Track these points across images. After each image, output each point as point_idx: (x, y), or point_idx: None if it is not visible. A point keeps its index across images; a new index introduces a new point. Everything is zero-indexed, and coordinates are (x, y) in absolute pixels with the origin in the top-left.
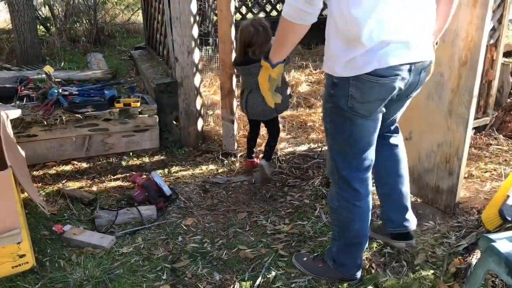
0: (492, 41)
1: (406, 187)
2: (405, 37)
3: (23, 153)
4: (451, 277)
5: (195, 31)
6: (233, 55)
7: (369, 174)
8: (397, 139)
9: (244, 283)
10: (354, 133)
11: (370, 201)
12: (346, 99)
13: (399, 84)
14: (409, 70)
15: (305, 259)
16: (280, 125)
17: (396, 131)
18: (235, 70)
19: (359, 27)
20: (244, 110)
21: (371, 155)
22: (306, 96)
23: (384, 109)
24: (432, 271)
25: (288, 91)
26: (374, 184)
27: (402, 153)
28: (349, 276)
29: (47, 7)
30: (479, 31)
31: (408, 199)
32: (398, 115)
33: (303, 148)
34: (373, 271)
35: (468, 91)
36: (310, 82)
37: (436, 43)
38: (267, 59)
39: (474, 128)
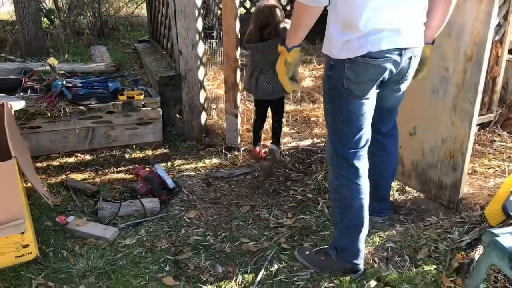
0: (497, 38)
1: (389, 180)
2: (396, 25)
3: (26, 144)
4: (453, 272)
5: (200, 24)
6: (238, 49)
7: (366, 152)
8: (392, 142)
9: (246, 275)
10: (351, 113)
11: (367, 182)
12: (342, 80)
13: (390, 66)
14: (400, 55)
15: (307, 252)
16: (284, 120)
17: (393, 130)
18: (245, 50)
19: (358, 14)
20: (252, 91)
21: (367, 133)
22: (310, 91)
23: (377, 90)
24: (434, 266)
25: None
26: None
27: (392, 159)
28: (351, 266)
29: None
30: (485, 26)
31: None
32: (396, 108)
33: (306, 143)
34: (375, 265)
35: (473, 87)
36: (314, 77)
37: (433, 42)
38: (283, 44)
39: (478, 124)
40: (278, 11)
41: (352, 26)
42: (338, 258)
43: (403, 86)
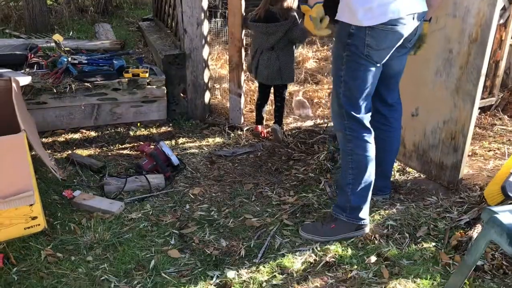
0: (502, 21)
1: (393, 158)
2: None
3: (33, 119)
4: (452, 250)
5: (205, 3)
6: (243, 29)
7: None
8: (397, 117)
9: (250, 249)
10: (366, 79)
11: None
12: (363, 47)
13: (407, 30)
14: (413, 18)
15: (313, 227)
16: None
17: (398, 104)
18: (249, 29)
19: None
20: (252, 72)
21: (371, 97)
22: (313, 72)
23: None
24: (433, 244)
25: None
26: None
27: (397, 135)
28: (362, 223)
29: None
30: (491, 8)
31: (392, 167)
32: (400, 75)
33: (309, 123)
34: (376, 241)
35: (476, 69)
36: (317, 59)
37: (430, 20)
38: (305, 3)
39: (480, 108)
40: None
41: None
42: (350, 218)
43: (407, 51)
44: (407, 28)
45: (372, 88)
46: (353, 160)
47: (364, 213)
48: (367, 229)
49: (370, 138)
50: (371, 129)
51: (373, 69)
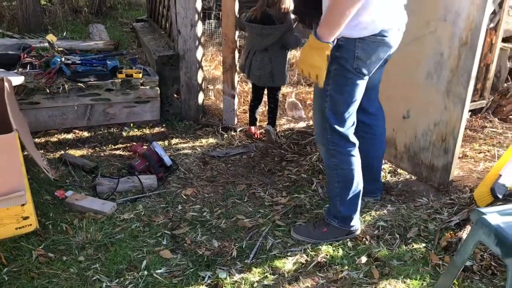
0: (492, 25)
1: (381, 162)
2: (398, 5)
3: (25, 120)
4: (442, 250)
5: (199, 4)
6: (236, 30)
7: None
8: (380, 125)
9: (241, 250)
10: (354, 93)
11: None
12: (352, 60)
13: (395, 42)
14: (398, 29)
15: (306, 229)
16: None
17: (379, 111)
18: (243, 29)
19: None
20: (245, 73)
21: (356, 110)
22: None
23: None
24: (424, 244)
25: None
26: None
27: (382, 141)
28: (353, 229)
29: None
30: (480, 12)
31: (381, 170)
32: (378, 85)
33: (302, 125)
34: (367, 242)
35: (466, 72)
36: None
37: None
38: (321, 39)
39: (471, 110)
40: None
41: (366, 5)
42: (341, 225)
43: (386, 62)
44: (395, 39)
45: (358, 101)
46: (339, 175)
47: (355, 220)
48: (358, 232)
49: (355, 151)
50: (356, 141)
51: (360, 82)
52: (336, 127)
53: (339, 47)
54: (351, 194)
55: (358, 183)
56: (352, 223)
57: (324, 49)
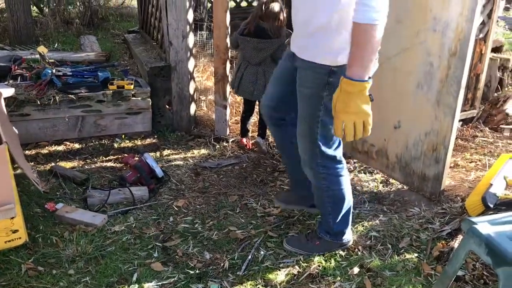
0: (481, 35)
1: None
2: None
3: (16, 131)
4: (434, 260)
5: (190, 16)
6: (228, 40)
7: None
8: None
9: (233, 262)
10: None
11: None
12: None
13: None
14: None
15: (298, 241)
16: None
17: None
18: (236, 47)
19: None
20: (234, 87)
21: None
22: None
23: None
24: (416, 254)
25: None
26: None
27: None
28: (345, 242)
29: None
30: (469, 23)
31: None
32: None
33: None
34: (359, 253)
35: (456, 81)
36: None
37: None
38: (359, 79)
39: (461, 120)
40: (277, 6)
41: None
42: (334, 239)
43: None
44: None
45: None
46: (330, 196)
47: (347, 234)
48: (350, 243)
49: (344, 170)
50: (343, 159)
51: None
52: (327, 150)
53: (332, 73)
54: (343, 211)
55: (349, 201)
56: (344, 237)
57: (364, 90)
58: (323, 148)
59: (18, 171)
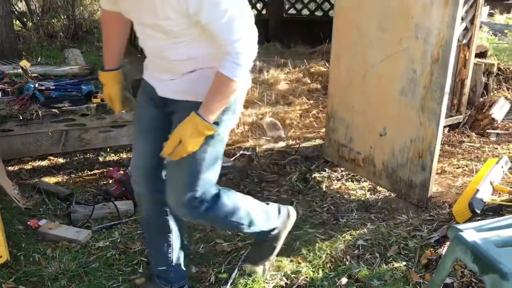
0: (465, 41)
1: None
2: None
3: None
4: (422, 268)
5: None
6: None
7: None
8: None
9: (220, 275)
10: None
11: None
12: (233, 116)
13: None
14: None
15: (259, 256)
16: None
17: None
18: None
19: None
20: None
21: None
22: (285, 94)
23: None
24: (404, 263)
25: None
26: None
27: None
28: (276, 232)
29: (23, 1)
30: (450, 29)
31: None
32: None
33: (281, 144)
34: (347, 262)
35: (440, 88)
36: (289, 80)
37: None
38: (205, 119)
39: (448, 126)
40: None
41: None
42: (272, 240)
43: None
44: None
45: None
46: (239, 215)
47: (272, 225)
48: (292, 215)
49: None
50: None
51: None
52: (214, 182)
53: (227, 109)
54: (256, 222)
55: (256, 205)
56: (272, 232)
57: (202, 131)
58: (212, 178)
59: None
